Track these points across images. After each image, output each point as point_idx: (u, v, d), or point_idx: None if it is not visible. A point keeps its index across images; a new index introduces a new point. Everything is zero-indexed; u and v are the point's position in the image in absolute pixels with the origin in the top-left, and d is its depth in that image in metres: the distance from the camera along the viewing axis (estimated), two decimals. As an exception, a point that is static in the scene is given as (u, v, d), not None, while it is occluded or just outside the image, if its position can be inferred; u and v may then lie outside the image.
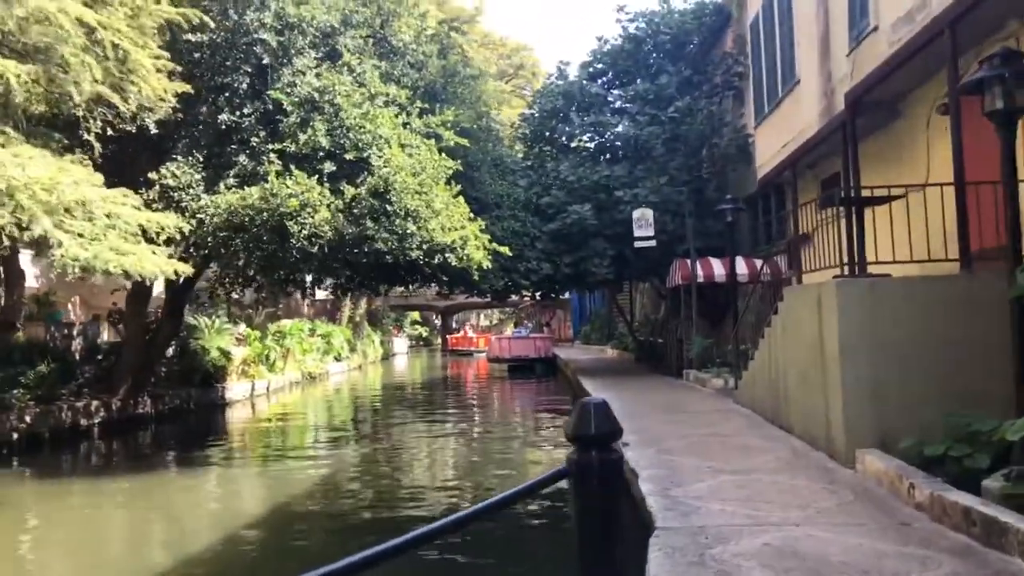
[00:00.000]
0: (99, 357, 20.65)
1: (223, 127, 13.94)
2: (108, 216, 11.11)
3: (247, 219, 12.45)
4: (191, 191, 13.34)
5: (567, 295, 50.78)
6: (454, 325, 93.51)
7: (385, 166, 13.19)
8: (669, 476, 7.59)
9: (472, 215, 14.72)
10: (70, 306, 30.37)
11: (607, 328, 39.49)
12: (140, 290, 19.08)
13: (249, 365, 27.04)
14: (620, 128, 20.88)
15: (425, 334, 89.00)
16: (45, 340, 19.69)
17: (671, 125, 20.07)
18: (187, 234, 12.80)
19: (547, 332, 46.23)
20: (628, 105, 21.86)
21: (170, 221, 12.11)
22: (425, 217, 13.04)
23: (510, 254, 15.09)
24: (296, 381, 31.33)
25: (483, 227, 14.66)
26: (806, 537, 5.22)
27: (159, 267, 11.33)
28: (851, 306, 7.91)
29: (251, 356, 26.69)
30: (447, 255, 13.29)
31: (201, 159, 13.84)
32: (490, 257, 14.32)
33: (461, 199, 14.14)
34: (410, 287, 20.27)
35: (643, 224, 17.38)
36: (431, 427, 18.68)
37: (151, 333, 19.51)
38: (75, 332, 21.44)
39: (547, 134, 22.87)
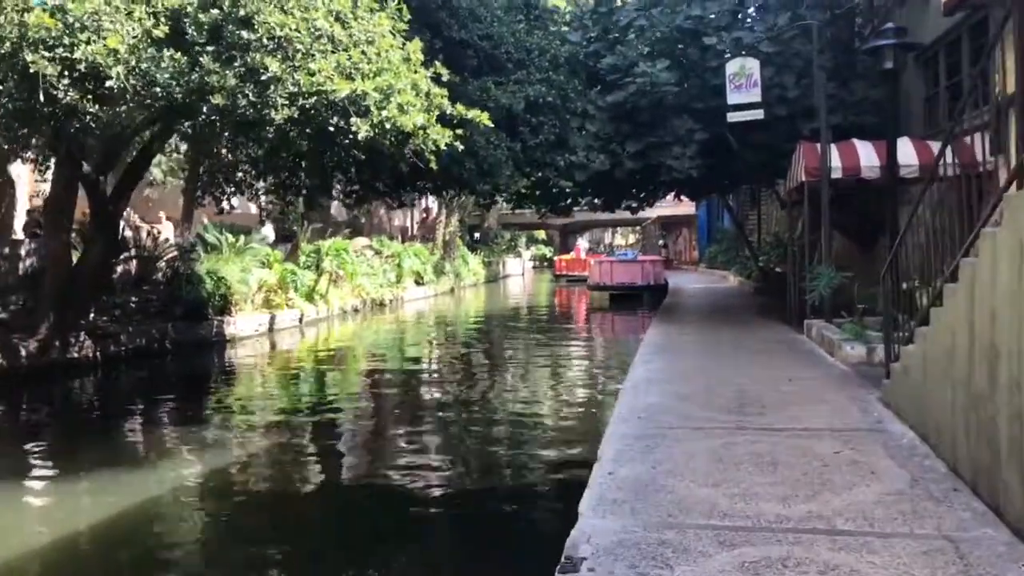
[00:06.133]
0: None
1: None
2: None
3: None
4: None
5: (694, 208, 43.44)
6: (584, 245, 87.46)
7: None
8: None
9: (429, 59, 8.61)
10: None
11: (735, 250, 32.42)
12: (58, 195, 14.34)
13: (275, 292, 22.35)
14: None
15: (549, 254, 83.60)
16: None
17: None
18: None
19: (664, 254, 39.43)
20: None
21: None
22: (304, 50, 7.16)
23: (489, 123, 8.83)
24: (353, 309, 26.57)
25: (437, 77, 8.41)
26: None
27: None
28: None
29: (271, 282, 21.88)
30: (352, 119, 7.35)
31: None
32: (451, 134, 8.18)
33: (385, 23, 7.98)
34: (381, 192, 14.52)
35: (743, 83, 10.70)
36: (435, 390, 13.14)
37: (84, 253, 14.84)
38: (23, 252, 17.14)
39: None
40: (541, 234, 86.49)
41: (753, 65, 10.92)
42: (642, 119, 12.63)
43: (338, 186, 16.66)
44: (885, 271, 7.04)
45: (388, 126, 7.40)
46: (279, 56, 7.12)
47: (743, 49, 11.53)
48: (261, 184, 18.43)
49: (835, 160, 11.01)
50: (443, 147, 8.13)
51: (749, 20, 12.62)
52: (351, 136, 7.80)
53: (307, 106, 7.23)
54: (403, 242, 40.19)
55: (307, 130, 7.98)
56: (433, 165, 8.29)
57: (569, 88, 12.36)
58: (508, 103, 10.79)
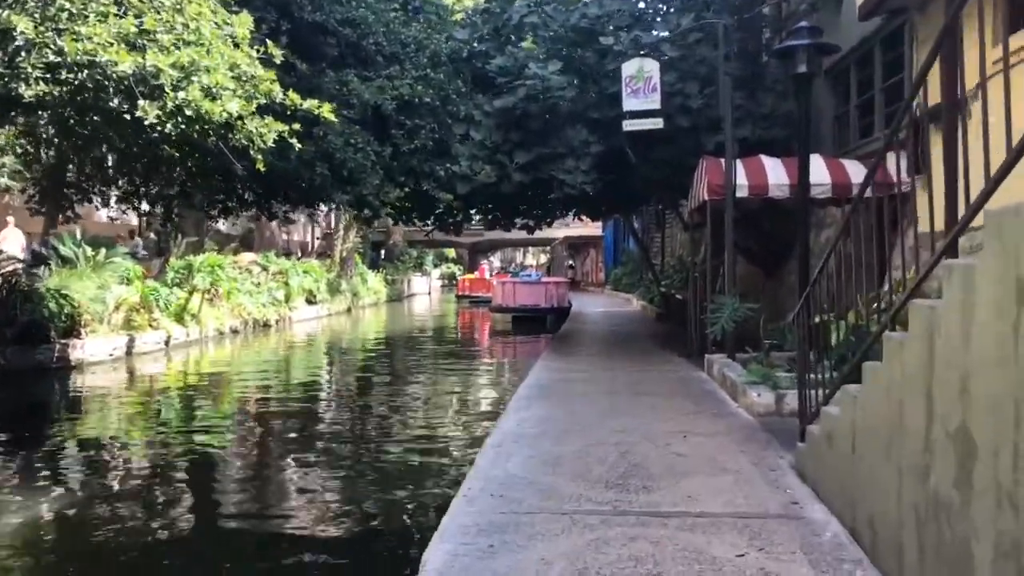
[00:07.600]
0: None
1: None
2: None
3: None
4: None
5: (601, 229, 42.63)
6: (496, 264, 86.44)
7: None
8: None
9: (266, 40, 7.03)
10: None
11: (639, 273, 31.58)
12: None
13: (137, 312, 20.07)
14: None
15: (458, 273, 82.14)
16: None
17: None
18: None
19: (571, 274, 38.37)
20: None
21: None
22: (73, 10, 5.50)
23: (332, 117, 7.32)
24: (232, 330, 24.34)
25: (268, 58, 6.83)
26: None
27: None
28: None
29: (132, 300, 19.63)
30: (138, 101, 5.72)
31: None
32: (286, 129, 6.60)
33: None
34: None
35: (641, 87, 9.47)
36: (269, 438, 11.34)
37: None
38: None
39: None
40: (452, 252, 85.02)
41: (652, 67, 9.73)
42: (533, 127, 11.27)
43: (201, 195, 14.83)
44: (799, 308, 5.77)
45: (189, 113, 5.78)
46: (36, 16, 5.45)
47: (643, 49, 10.33)
48: (114, 192, 16.36)
49: (741, 177, 9.89)
50: (270, 143, 6.53)
51: (652, 21, 11.47)
52: (158, 128, 6.11)
53: (75, 81, 5.56)
54: (302, 258, 38.06)
55: (94, 116, 6.27)
56: (260, 166, 6.68)
57: (451, 89, 10.92)
58: (374, 100, 9.25)
